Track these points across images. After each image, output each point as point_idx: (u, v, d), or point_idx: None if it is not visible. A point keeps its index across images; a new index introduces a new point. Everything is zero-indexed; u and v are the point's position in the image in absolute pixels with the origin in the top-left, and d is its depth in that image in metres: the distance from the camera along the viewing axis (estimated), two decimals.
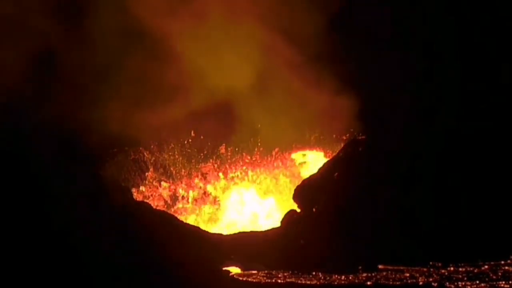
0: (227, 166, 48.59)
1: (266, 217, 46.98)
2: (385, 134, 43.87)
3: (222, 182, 48.34)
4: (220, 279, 38.49)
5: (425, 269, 36.94)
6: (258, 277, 38.22)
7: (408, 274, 36.66)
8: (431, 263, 37.22)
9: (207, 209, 47.72)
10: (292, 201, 44.44)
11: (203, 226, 45.38)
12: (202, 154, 48.65)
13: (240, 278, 38.51)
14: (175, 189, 48.25)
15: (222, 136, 48.13)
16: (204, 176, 48.49)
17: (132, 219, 40.74)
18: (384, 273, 37.12)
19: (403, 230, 39.49)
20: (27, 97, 43.95)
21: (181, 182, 48.42)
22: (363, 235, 39.68)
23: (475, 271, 36.07)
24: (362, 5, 47.13)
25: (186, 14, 46.61)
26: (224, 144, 48.52)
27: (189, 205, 47.90)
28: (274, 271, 38.71)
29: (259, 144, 48.33)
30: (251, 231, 43.54)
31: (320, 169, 44.77)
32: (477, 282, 34.98)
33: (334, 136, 47.39)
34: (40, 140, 41.89)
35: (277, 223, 44.27)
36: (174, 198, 48.05)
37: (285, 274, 38.22)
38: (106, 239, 38.75)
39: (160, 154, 48.54)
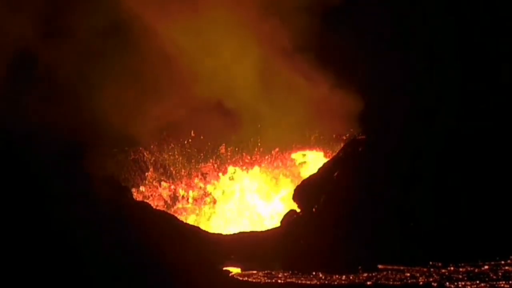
0: (227, 166, 48.60)
1: (267, 217, 47.02)
2: (385, 134, 43.86)
3: (222, 182, 48.35)
4: (220, 279, 38.43)
5: (425, 269, 36.94)
6: (258, 277, 38.21)
7: (408, 274, 36.66)
8: (431, 263, 37.23)
9: (207, 209, 47.73)
10: (292, 201, 44.36)
11: (203, 226, 45.38)
12: (202, 154, 48.65)
13: (240, 278, 38.47)
14: (175, 189, 48.25)
15: (222, 136, 48.13)
16: (204, 176, 48.49)
17: (132, 219, 40.67)
18: (385, 273, 37.12)
19: (403, 230, 39.48)
20: (27, 97, 43.98)
21: (181, 182, 48.41)
22: (363, 235, 39.64)
23: (476, 271, 36.07)
24: (362, 5, 47.11)
25: (184, 11, 46.57)
26: (224, 144, 48.52)
27: (189, 205, 47.89)
28: (274, 271, 38.68)
29: (259, 144, 48.32)
30: (251, 231, 43.53)
31: (320, 169, 44.75)
32: (477, 282, 34.98)
33: (334, 136, 47.38)
34: (40, 140, 41.91)
35: (277, 223, 44.25)
36: (174, 198, 48.05)
37: (285, 274, 38.21)
38: (106, 239, 38.72)
39: (160, 154, 48.54)
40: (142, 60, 46.36)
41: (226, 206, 47.66)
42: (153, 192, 48.08)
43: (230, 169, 48.34)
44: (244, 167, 48.54)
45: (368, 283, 36.46)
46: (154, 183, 48.22)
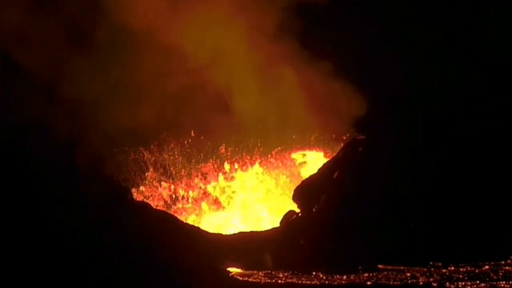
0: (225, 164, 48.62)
1: (267, 217, 47.02)
2: (385, 134, 43.84)
3: (222, 182, 48.34)
4: (220, 279, 38.41)
5: (425, 269, 36.94)
6: (258, 277, 38.20)
7: (409, 274, 36.65)
8: (431, 263, 37.23)
9: (207, 208, 47.75)
10: (292, 201, 44.35)
11: (203, 226, 45.38)
12: (202, 154, 48.62)
13: (240, 278, 38.47)
14: (175, 189, 48.22)
15: (222, 136, 48.09)
16: (204, 176, 48.46)
17: (132, 219, 40.65)
18: (385, 273, 37.12)
19: (403, 230, 39.46)
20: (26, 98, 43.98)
21: (181, 182, 48.39)
22: (363, 235, 39.63)
23: (476, 271, 36.07)
24: (363, 4, 47.13)
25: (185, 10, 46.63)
26: (224, 144, 48.49)
27: (189, 205, 47.88)
28: (274, 271, 38.68)
29: (259, 144, 48.30)
30: (251, 231, 43.49)
31: (320, 169, 44.73)
32: (478, 282, 34.98)
33: (334, 136, 47.35)
34: (39, 140, 41.90)
35: (277, 223, 44.24)
36: (174, 198, 48.03)
37: (285, 274, 38.20)
38: (106, 239, 38.68)
39: (160, 154, 48.51)
40: (141, 59, 46.42)
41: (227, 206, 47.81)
42: (153, 192, 48.06)
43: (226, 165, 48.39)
44: (244, 167, 48.54)
45: (368, 283, 36.45)
46: (154, 183, 48.19)
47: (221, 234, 43.80)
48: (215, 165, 48.54)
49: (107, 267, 37.35)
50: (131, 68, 46.02)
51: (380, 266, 38.06)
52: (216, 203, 47.86)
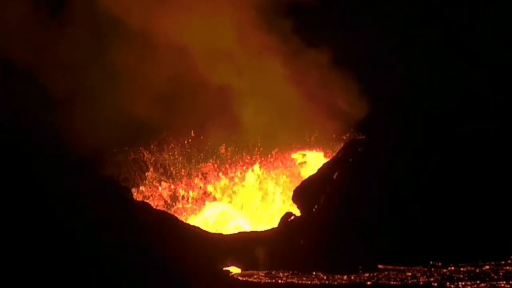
0: (227, 166, 48.58)
1: (267, 217, 47.07)
2: (385, 134, 43.86)
3: (222, 182, 48.34)
4: (220, 279, 38.43)
5: (425, 269, 36.97)
6: (259, 277, 38.22)
7: (410, 274, 36.68)
8: (431, 262, 37.25)
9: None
10: (292, 201, 44.37)
11: (203, 226, 45.38)
12: (202, 154, 48.63)
13: (240, 278, 38.49)
14: (175, 189, 48.22)
15: (222, 136, 48.09)
16: (204, 176, 48.46)
17: (132, 219, 40.65)
18: (385, 273, 37.14)
19: (403, 230, 39.48)
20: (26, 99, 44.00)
21: (181, 182, 48.38)
22: (363, 235, 39.65)
23: (477, 271, 36.10)
24: (364, 5, 47.16)
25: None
26: (224, 144, 48.49)
27: (189, 205, 47.88)
28: (274, 271, 38.70)
29: (259, 144, 48.31)
30: (251, 231, 43.51)
31: (319, 169, 44.73)
32: (478, 282, 35.00)
33: (334, 136, 47.36)
34: (40, 141, 41.91)
35: (277, 223, 44.26)
36: (174, 198, 48.02)
37: (286, 274, 38.22)
38: (106, 239, 38.68)
39: (160, 154, 48.51)
40: (142, 59, 46.47)
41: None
42: (153, 192, 48.05)
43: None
44: (244, 167, 48.58)
45: (369, 283, 36.47)
46: (154, 183, 48.19)
47: (221, 234, 43.83)
48: (215, 165, 48.57)
49: (107, 267, 37.34)
50: (131, 67, 46.06)
51: (380, 266, 38.08)
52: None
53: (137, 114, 45.80)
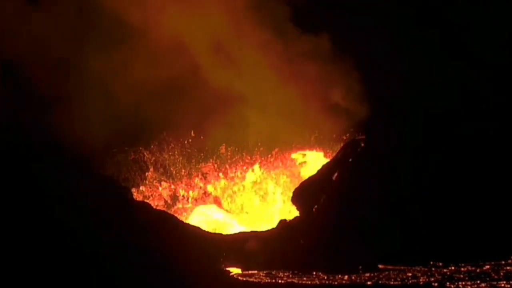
0: (227, 166, 48.58)
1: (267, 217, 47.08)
2: (385, 134, 43.88)
3: (222, 182, 48.34)
4: (220, 279, 38.43)
5: (426, 269, 36.97)
6: (259, 277, 38.22)
7: (410, 274, 36.68)
8: (431, 262, 37.26)
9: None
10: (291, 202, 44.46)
11: (203, 226, 45.41)
12: (202, 154, 48.63)
13: (240, 278, 38.50)
14: (175, 189, 48.22)
15: (222, 136, 48.12)
16: (204, 176, 48.46)
17: (132, 219, 40.65)
18: (386, 273, 37.15)
19: (403, 230, 39.48)
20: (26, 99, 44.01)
21: (181, 182, 48.39)
22: (363, 235, 39.66)
23: (478, 270, 36.10)
24: (364, 4, 47.18)
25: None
26: (224, 144, 48.50)
27: (189, 205, 47.87)
28: (274, 271, 38.70)
29: (259, 144, 48.32)
30: (251, 231, 43.51)
31: (319, 170, 44.73)
32: (478, 282, 35.01)
33: (334, 136, 47.37)
34: (40, 141, 41.93)
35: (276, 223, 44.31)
36: (174, 198, 48.03)
37: (286, 274, 38.22)
38: (106, 239, 38.68)
39: (160, 154, 48.52)
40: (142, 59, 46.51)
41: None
42: (153, 192, 48.06)
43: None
44: (244, 167, 48.59)
45: (369, 283, 36.48)
46: (154, 183, 48.20)
47: (221, 234, 43.86)
48: (215, 165, 48.57)
49: (107, 267, 37.33)
50: (131, 67, 46.08)
51: (380, 266, 38.08)
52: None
53: (137, 113, 45.87)
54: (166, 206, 47.67)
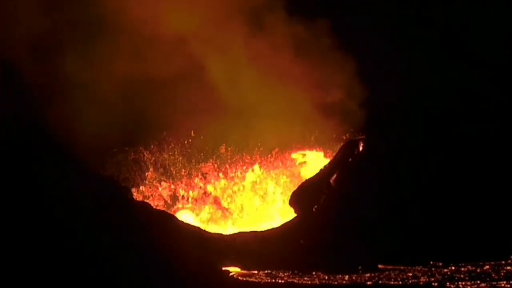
0: (227, 166, 48.57)
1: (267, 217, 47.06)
2: (385, 134, 43.89)
3: (222, 182, 48.32)
4: (220, 279, 38.43)
5: (426, 269, 36.97)
6: (259, 277, 38.21)
7: (410, 274, 36.68)
8: (432, 262, 37.26)
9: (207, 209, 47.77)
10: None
11: (203, 226, 45.41)
12: (202, 154, 48.62)
13: (240, 278, 38.49)
14: (175, 189, 48.21)
15: (222, 136, 48.10)
16: (204, 176, 48.45)
17: (132, 219, 40.64)
18: (386, 273, 37.15)
19: (403, 230, 39.49)
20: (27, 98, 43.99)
21: (181, 182, 48.36)
22: (363, 235, 39.66)
23: (478, 270, 36.11)
24: (364, 4, 47.18)
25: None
26: (224, 144, 48.49)
27: (189, 205, 47.85)
28: (274, 271, 38.69)
29: (259, 144, 48.30)
30: (251, 231, 43.47)
31: (317, 174, 44.72)
32: (478, 282, 35.01)
33: (334, 136, 47.37)
34: (40, 141, 41.91)
35: (277, 223, 44.31)
36: (174, 198, 48.01)
37: (286, 274, 38.22)
38: (106, 239, 38.67)
39: (160, 154, 48.49)
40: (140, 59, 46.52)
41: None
42: (153, 192, 48.02)
43: None
44: (244, 167, 48.57)
45: (369, 283, 36.47)
46: (154, 183, 48.17)
47: (221, 234, 43.82)
48: (215, 165, 48.55)
49: (107, 267, 37.32)
50: (130, 67, 46.07)
51: (380, 266, 38.08)
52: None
53: (137, 113, 45.89)
54: (166, 206, 47.64)
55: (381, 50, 46.31)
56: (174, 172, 48.44)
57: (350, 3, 47.32)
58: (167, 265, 37.76)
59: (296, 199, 43.85)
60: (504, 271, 35.79)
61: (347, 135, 46.64)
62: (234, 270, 39.57)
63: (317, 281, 37.18)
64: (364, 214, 40.61)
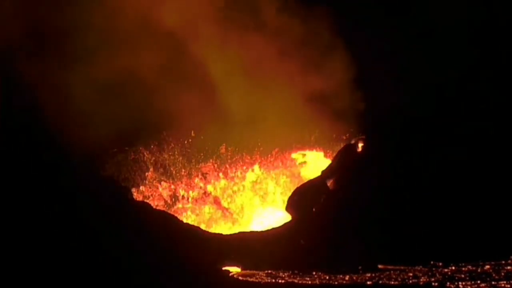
0: (227, 166, 48.57)
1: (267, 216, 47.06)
2: (385, 134, 43.90)
3: (222, 182, 48.33)
4: (220, 279, 38.42)
5: (426, 269, 36.97)
6: (259, 277, 38.20)
7: (411, 274, 36.68)
8: (432, 262, 37.26)
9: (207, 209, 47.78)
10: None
11: (203, 226, 45.42)
12: (202, 154, 48.63)
13: (240, 278, 38.49)
14: (175, 189, 48.22)
15: (222, 136, 48.12)
16: (204, 176, 48.46)
17: (132, 219, 40.64)
18: (386, 273, 37.14)
19: (403, 230, 39.48)
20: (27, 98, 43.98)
21: (181, 182, 48.38)
22: (363, 235, 39.66)
23: (478, 270, 36.10)
24: (363, 4, 47.21)
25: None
26: (224, 144, 48.50)
27: (189, 205, 47.86)
28: (274, 271, 38.69)
29: (259, 144, 48.31)
30: (251, 231, 43.50)
31: (313, 179, 44.78)
32: (478, 282, 35.00)
33: (334, 136, 47.38)
34: (40, 141, 41.91)
35: (277, 223, 44.30)
36: (174, 198, 48.02)
37: (286, 274, 38.22)
38: (106, 239, 38.66)
39: (160, 154, 48.51)
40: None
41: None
42: (153, 192, 48.03)
43: None
44: (244, 167, 48.58)
45: (369, 283, 36.47)
46: (154, 183, 48.18)
47: (221, 234, 43.83)
48: (215, 165, 48.56)
49: (107, 267, 37.31)
50: (130, 67, 46.09)
51: (380, 266, 38.08)
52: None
53: (137, 113, 45.90)
54: (166, 206, 47.66)
55: (381, 50, 46.30)
56: (174, 172, 48.46)
57: (351, 3, 47.38)
58: (167, 265, 37.76)
59: (293, 203, 43.87)
60: (504, 271, 35.78)
61: (347, 135, 46.66)
62: (234, 270, 39.55)
63: (317, 281, 37.16)
64: (364, 214, 40.59)
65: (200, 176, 48.47)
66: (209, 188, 48.24)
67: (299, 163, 48.33)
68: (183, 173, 48.53)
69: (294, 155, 48.47)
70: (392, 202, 40.58)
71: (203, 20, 46.89)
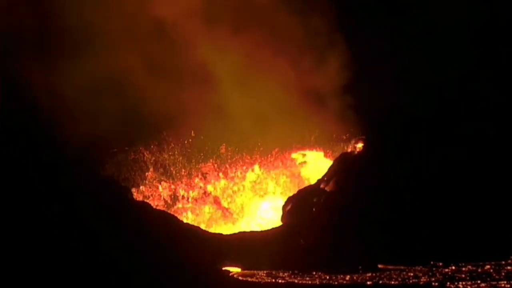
0: (227, 166, 48.59)
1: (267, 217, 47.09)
2: (385, 134, 43.90)
3: (222, 182, 48.34)
4: (220, 279, 38.43)
5: (426, 269, 36.97)
6: (259, 277, 38.21)
7: (411, 274, 36.68)
8: (432, 262, 37.26)
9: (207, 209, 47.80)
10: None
11: (203, 226, 45.44)
12: (202, 154, 48.65)
13: (240, 278, 38.49)
14: (175, 189, 48.23)
15: (222, 136, 48.17)
16: (204, 176, 48.47)
17: (132, 219, 40.64)
18: (387, 273, 37.15)
19: (403, 230, 39.49)
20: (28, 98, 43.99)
21: (181, 182, 48.40)
22: (363, 235, 39.67)
23: (478, 270, 36.11)
24: (364, 5, 47.23)
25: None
26: (224, 144, 48.53)
27: (189, 205, 47.87)
28: (274, 271, 38.70)
29: (259, 144, 48.34)
30: (251, 231, 43.53)
31: (311, 186, 44.84)
32: (479, 282, 35.01)
33: (334, 136, 47.41)
34: (40, 141, 41.90)
35: (277, 223, 44.32)
36: (174, 198, 48.04)
37: (286, 274, 38.22)
38: (106, 239, 38.65)
39: (160, 154, 48.54)
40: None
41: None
42: (153, 192, 48.07)
43: None
44: (244, 167, 48.59)
45: (369, 283, 36.47)
46: (154, 183, 48.21)
47: (221, 234, 43.86)
48: (215, 165, 48.58)
49: (107, 267, 37.30)
50: (130, 67, 46.13)
51: (380, 266, 38.08)
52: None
53: (137, 113, 45.95)
54: (166, 206, 47.69)
55: (381, 50, 46.32)
56: (174, 172, 48.50)
57: (351, 3, 47.42)
58: (167, 265, 37.73)
59: (291, 208, 43.95)
60: (504, 271, 35.78)
61: (347, 135, 46.70)
62: (234, 270, 39.56)
63: (317, 281, 37.17)
64: (364, 214, 40.59)
65: (200, 176, 48.51)
66: (209, 188, 48.28)
67: (299, 163, 48.36)
68: (183, 173, 48.57)
69: (294, 155, 48.50)
70: (392, 202, 40.57)
71: (204, 20, 46.91)
